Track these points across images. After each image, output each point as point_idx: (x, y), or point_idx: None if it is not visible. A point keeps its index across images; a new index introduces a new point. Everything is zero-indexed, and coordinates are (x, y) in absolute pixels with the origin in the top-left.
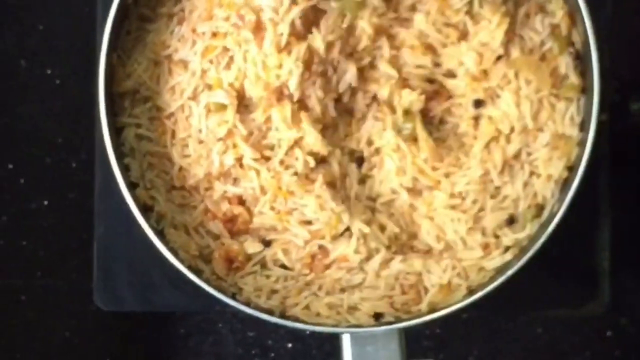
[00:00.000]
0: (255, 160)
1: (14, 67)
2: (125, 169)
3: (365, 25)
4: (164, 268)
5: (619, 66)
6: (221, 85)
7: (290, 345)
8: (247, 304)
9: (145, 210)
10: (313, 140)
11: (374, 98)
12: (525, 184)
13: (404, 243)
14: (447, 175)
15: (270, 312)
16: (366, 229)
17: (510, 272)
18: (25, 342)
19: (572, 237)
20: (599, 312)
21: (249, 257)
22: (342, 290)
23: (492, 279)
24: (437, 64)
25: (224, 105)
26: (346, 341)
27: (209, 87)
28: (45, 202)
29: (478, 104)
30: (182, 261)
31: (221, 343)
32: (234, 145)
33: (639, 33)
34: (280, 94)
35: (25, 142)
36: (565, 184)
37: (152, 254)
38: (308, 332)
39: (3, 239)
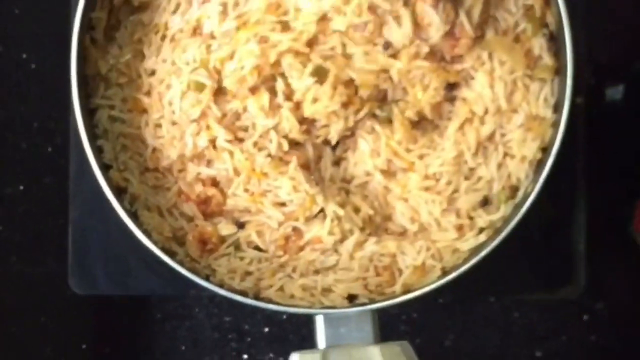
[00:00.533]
0: (229, 141)
1: None
2: (98, 151)
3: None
4: (139, 251)
5: (596, 50)
6: (207, 65)
7: (266, 329)
8: (221, 285)
9: (119, 192)
10: (290, 127)
11: None
12: (500, 165)
13: (378, 225)
14: (421, 157)
15: (244, 293)
16: (340, 211)
17: (484, 253)
18: (0, 327)
19: (548, 220)
20: (574, 296)
21: (222, 239)
22: (316, 272)
23: (466, 260)
24: None
25: (203, 85)
26: (319, 323)
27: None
28: (21, 187)
29: (452, 86)
30: (155, 243)
31: (197, 328)
32: (208, 127)
33: (616, 18)
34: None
35: (0, 127)
36: (539, 165)
37: (127, 237)
38: (285, 317)
39: None
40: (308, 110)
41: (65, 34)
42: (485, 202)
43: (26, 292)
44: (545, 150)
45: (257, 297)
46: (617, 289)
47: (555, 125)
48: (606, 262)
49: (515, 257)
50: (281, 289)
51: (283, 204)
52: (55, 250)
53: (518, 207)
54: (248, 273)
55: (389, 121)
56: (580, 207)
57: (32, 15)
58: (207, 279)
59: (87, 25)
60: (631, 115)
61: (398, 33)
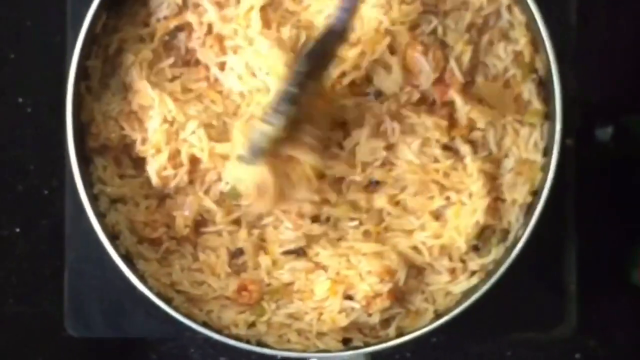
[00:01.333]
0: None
1: None
2: (94, 199)
3: None
4: (134, 294)
5: (585, 92)
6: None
7: None
8: (219, 331)
9: (115, 237)
10: None
11: None
12: None
13: None
14: None
15: (239, 338)
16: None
17: (476, 296)
18: None
19: (539, 260)
20: (567, 334)
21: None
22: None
23: (458, 303)
24: None
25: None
26: None
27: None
28: (17, 229)
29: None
30: (151, 289)
31: None
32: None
33: (605, 60)
34: None
35: None
36: (529, 208)
37: (122, 280)
38: (279, 358)
39: None
40: None
41: (60, 79)
42: (477, 246)
43: (22, 334)
44: (535, 193)
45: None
46: (610, 328)
47: (545, 168)
48: (598, 301)
49: (508, 298)
50: (280, 336)
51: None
52: (52, 292)
53: (509, 250)
54: (252, 325)
55: None
56: (571, 246)
57: (28, 60)
58: (203, 324)
59: (83, 73)
60: (620, 155)
61: (388, 81)
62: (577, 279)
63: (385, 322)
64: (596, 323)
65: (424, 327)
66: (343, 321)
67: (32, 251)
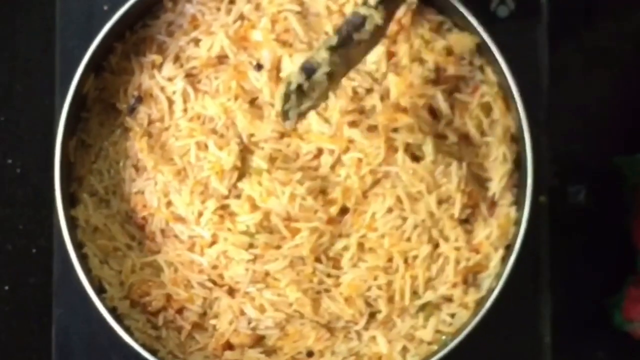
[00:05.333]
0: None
1: None
2: (82, 257)
3: None
4: (121, 349)
5: (558, 151)
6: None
7: None
8: None
9: (102, 291)
10: None
11: None
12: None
13: None
14: None
15: None
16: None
17: (449, 347)
18: None
19: (514, 313)
20: None
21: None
22: None
23: (434, 354)
24: None
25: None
26: None
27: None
28: (6, 287)
29: None
30: (136, 340)
31: None
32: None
33: (578, 119)
34: None
35: None
36: (503, 261)
37: (110, 336)
38: None
39: None
40: None
41: (49, 140)
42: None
43: None
44: (508, 247)
45: None
46: None
47: (517, 223)
48: (572, 352)
49: (482, 348)
50: None
51: None
52: (40, 349)
53: (481, 302)
54: None
55: None
56: (545, 298)
57: (18, 122)
58: None
59: (73, 130)
60: (594, 215)
61: None
62: (551, 332)
63: None
64: None
65: None
66: None
67: (20, 309)
